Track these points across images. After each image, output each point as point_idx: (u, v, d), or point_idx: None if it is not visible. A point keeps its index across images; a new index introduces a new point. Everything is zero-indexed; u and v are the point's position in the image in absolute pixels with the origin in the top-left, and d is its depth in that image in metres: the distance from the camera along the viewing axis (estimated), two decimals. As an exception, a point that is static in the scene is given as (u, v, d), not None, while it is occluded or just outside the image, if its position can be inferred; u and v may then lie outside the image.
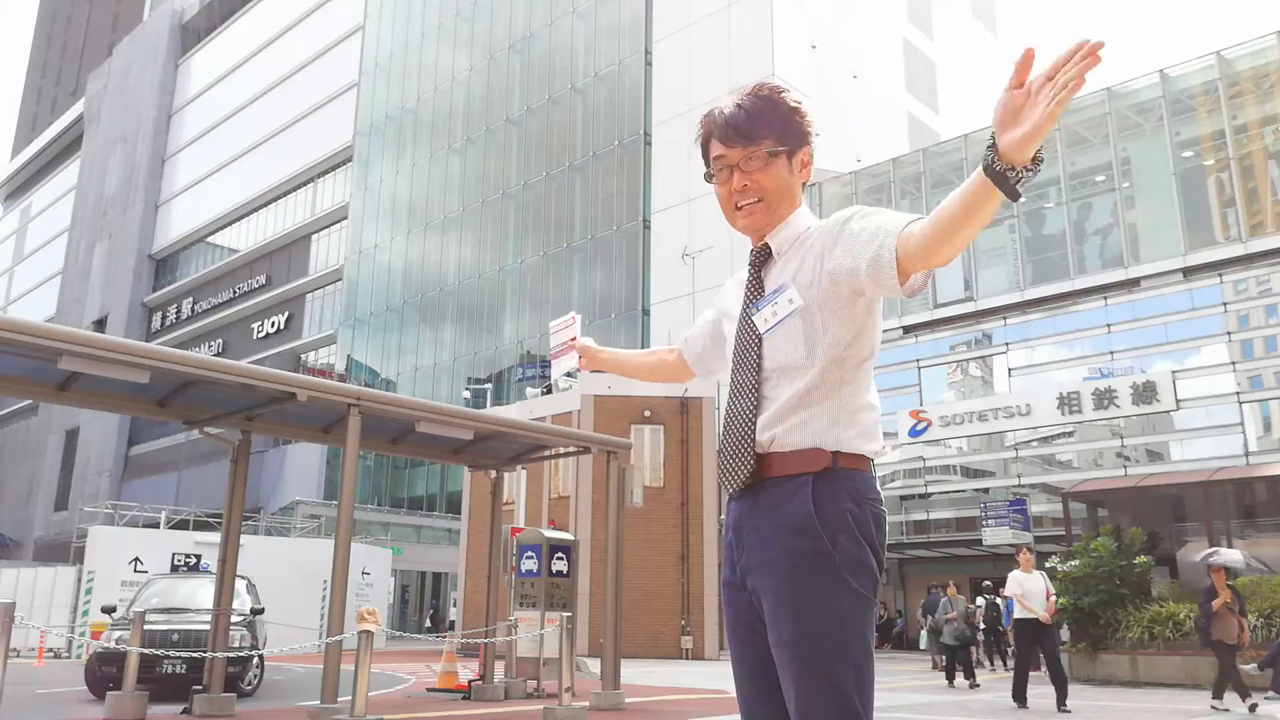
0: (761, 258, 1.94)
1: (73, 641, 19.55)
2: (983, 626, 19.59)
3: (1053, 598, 10.53)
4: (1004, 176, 1.46)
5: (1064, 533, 17.97)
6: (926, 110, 39.49)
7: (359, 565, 22.94)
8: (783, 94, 1.93)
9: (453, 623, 22.92)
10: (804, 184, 1.96)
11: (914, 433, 28.07)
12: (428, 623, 35.13)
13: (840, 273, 1.74)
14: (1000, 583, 21.16)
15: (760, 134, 1.87)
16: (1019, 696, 10.38)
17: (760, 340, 1.84)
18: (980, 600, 19.85)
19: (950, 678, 14.08)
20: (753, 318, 1.87)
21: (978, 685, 13.62)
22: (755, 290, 1.92)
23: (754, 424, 1.80)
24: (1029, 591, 10.34)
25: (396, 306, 44.18)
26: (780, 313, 1.82)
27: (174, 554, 20.83)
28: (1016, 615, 10.46)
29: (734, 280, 2.06)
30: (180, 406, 9.19)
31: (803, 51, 34.04)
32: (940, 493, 28.74)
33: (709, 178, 1.97)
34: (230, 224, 54.77)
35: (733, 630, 1.88)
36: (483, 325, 39.69)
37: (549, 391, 24.36)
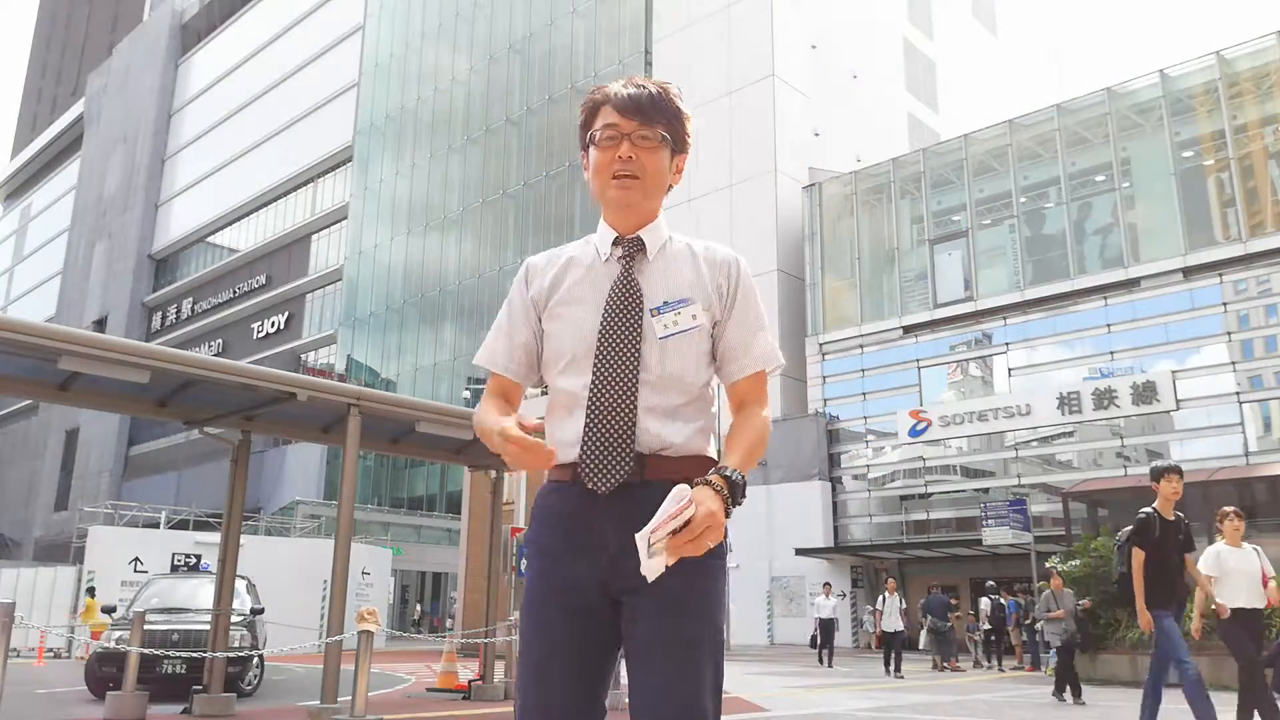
0: (633, 250, 1.90)
1: (73, 641, 19.54)
2: (987, 627, 19.65)
3: (1271, 581, 7.17)
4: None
5: (1064, 533, 17.98)
6: (926, 110, 39.48)
7: (359, 565, 22.92)
8: (678, 96, 1.93)
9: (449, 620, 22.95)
10: (667, 190, 1.97)
11: (914, 433, 28.08)
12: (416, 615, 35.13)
13: (722, 338, 1.87)
14: (1002, 583, 21.27)
15: (658, 119, 1.87)
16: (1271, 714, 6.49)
17: (642, 341, 1.80)
18: (985, 601, 19.90)
19: (1060, 689, 11.50)
20: (649, 318, 1.82)
21: (1083, 702, 11.15)
22: (631, 286, 1.84)
23: (634, 422, 1.76)
24: (1230, 571, 6.99)
25: (396, 306, 44.19)
26: (682, 325, 1.82)
27: (174, 554, 20.81)
28: (1228, 604, 7.05)
29: (554, 260, 1.94)
30: (180, 406, 9.19)
31: (803, 51, 34.04)
32: (940, 493, 28.73)
33: (589, 143, 1.90)
34: (230, 224, 54.78)
35: (570, 627, 1.76)
36: (483, 325, 39.69)
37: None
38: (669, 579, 1.69)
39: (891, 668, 16.19)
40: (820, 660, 18.77)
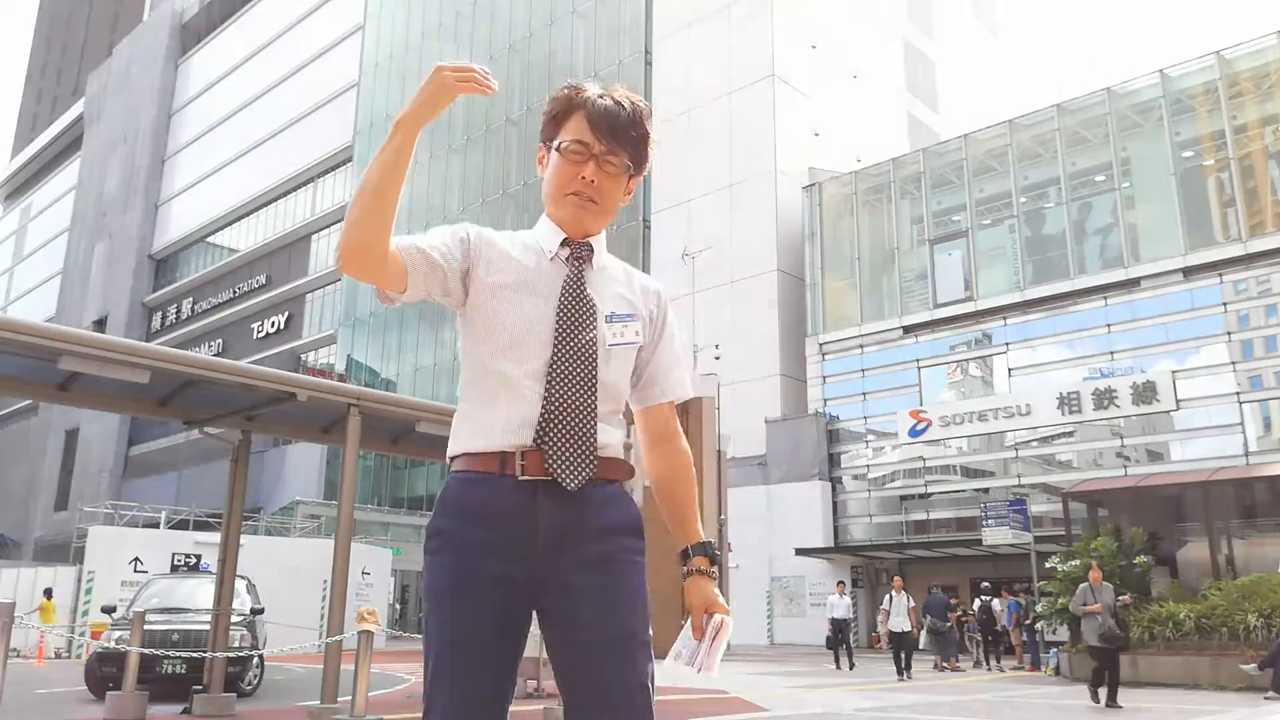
0: (583, 254, 1.90)
1: (73, 641, 19.54)
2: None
3: None
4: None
5: (1064, 533, 17.98)
6: (926, 110, 39.48)
7: (359, 565, 22.92)
8: (649, 117, 1.92)
9: None
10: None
11: (914, 433, 28.08)
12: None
13: (649, 362, 1.94)
14: (1001, 583, 21.25)
15: (628, 146, 1.88)
16: None
17: (598, 347, 1.83)
18: (977, 602, 19.93)
19: (1096, 691, 10.83)
20: (602, 325, 1.85)
21: (1119, 705, 10.50)
22: (584, 288, 1.86)
23: (596, 422, 1.80)
24: None
25: (396, 306, 44.13)
26: (626, 338, 1.87)
27: (174, 554, 20.80)
28: None
29: (503, 236, 1.92)
30: (180, 406, 9.19)
31: (803, 51, 34.03)
32: (940, 493, 28.74)
33: (555, 148, 1.88)
34: (230, 224, 54.77)
35: (497, 625, 1.73)
36: (483, 325, 39.63)
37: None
38: (600, 579, 1.76)
39: (901, 668, 15.55)
40: (837, 663, 18.04)
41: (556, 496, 1.75)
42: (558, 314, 1.81)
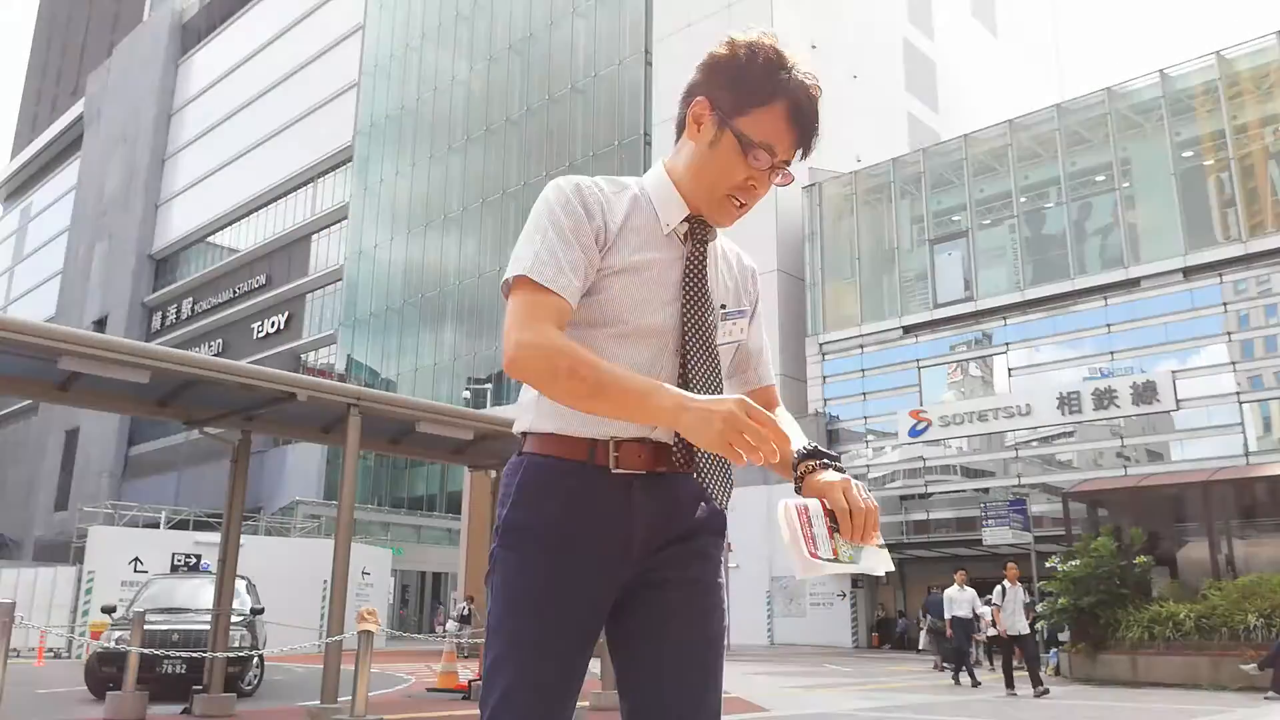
0: (705, 236, 1.71)
1: (73, 641, 19.54)
2: (992, 632, 19.73)
3: None
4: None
5: (1064, 533, 17.98)
6: (926, 110, 39.47)
7: (359, 565, 22.92)
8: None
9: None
10: None
11: (914, 433, 28.08)
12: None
13: (745, 345, 1.79)
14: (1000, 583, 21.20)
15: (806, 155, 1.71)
16: None
17: (718, 349, 1.69)
18: (986, 610, 19.94)
19: None
20: (717, 320, 1.70)
21: None
22: (703, 281, 1.67)
23: None
24: None
25: (396, 306, 44.18)
26: (734, 336, 1.73)
27: (174, 554, 20.82)
28: None
29: (618, 196, 1.69)
30: (180, 406, 9.19)
31: (803, 51, 33.99)
32: (940, 493, 28.73)
33: (738, 136, 1.64)
34: (230, 224, 54.77)
35: (581, 629, 1.60)
36: (483, 325, 39.69)
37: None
38: (697, 567, 1.63)
39: (1012, 678, 12.84)
40: (972, 677, 14.07)
41: (651, 492, 1.60)
42: (683, 310, 1.63)
